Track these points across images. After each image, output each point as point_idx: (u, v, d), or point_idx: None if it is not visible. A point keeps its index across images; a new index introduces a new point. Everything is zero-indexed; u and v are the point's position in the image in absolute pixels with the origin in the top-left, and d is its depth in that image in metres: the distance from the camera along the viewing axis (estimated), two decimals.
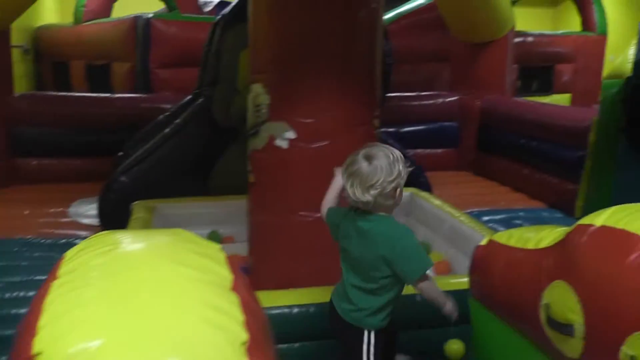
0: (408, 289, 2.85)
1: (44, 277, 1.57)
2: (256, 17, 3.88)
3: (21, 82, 9.66)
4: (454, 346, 3.23)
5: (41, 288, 1.48)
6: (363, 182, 2.61)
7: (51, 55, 10.71)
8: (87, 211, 6.41)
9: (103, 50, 9.82)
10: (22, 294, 4.38)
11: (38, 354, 1.19)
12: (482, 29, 8.66)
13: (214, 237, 5.26)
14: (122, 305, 1.27)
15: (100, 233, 1.74)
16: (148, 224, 4.71)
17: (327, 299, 3.11)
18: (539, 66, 11.39)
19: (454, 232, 4.79)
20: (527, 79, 11.33)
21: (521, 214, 6.65)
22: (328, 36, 3.63)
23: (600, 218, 2.10)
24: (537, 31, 11.66)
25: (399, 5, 9.37)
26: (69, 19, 10.83)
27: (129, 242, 1.62)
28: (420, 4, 9.17)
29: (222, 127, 5.63)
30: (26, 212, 6.43)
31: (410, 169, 2.70)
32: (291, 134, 3.70)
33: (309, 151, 3.71)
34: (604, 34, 11.93)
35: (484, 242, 2.87)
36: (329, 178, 3.69)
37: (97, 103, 8.01)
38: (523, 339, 2.51)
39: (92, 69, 10.22)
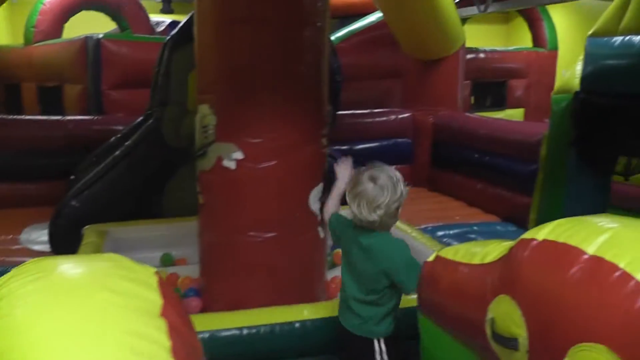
0: None
1: None
2: (201, 38, 3.87)
3: None
4: None
5: None
6: (370, 203, 2.78)
7: (2, 77, 10.53)
8: (39, 237, 6.27)
9: (54, 71, 9.65)
10: None
11: None
12: (431, 47, 8.75)
13: (166, 259, 5.20)
14: (43, 335, 1.24)
15: (33, 260, 1.70)
16: (99, 249, 4.64)
17: (277, 320, 3.12)
18: (492, 82, 11.56)
19: None
20: (481, 95, 11.48)
21: (475, 228, 6.70)
22: (273, 56, 3.62)
23: (542, 232, 2.10)
24: (489, 47, 11.84)
25: (351, 23, 9.41)
26: (19, 40, 10.69)
27: (60, 270, 1.58)
28: (372, 22, 9.23)
29: (173, 148, 5.57)
30: None
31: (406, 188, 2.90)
32: (239, 155, 3.67)
33: (256, 171, 3.69)
34: (555, 50, 12.17)
35: (431, 258, 2.86)
36: (277, 198, 3.70)
37: (49, 126, 7.86)
38: (472, 353, 2.50)
39: (44, 91, 10.04)
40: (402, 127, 9.02)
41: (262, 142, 3.67)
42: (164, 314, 1.40)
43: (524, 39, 14.01)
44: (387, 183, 2.82)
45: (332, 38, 8.86)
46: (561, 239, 2.00)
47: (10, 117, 8.34)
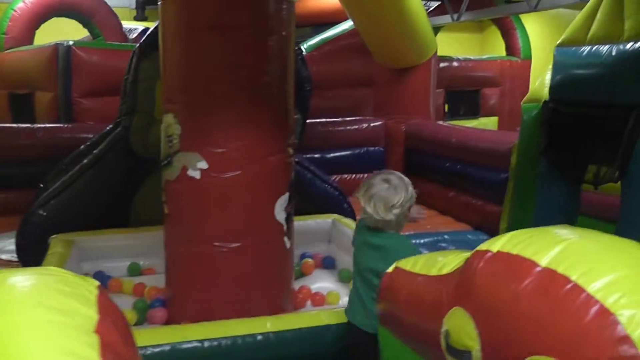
0: None
1: None
2: (165, 47, 3.84)
3: None
4: None
5: None
6: (386, 203, 2.96)
7: None
8: (7, 246, 6.21)
9: (25, 79, 9.55)
10: None
11: None
12: (403, 55, 8.78)
13: (134, 269, 5.15)
14: None
15: None
16: (65, 258, 4.58)
17: (240, 332, 3.09)
18: (465, 90, 11.58)
19: None
20: (454, 103, 11.50)
21: (447, 236, 6.71)
22: (237, 65, 3.60)
23: (497, 244, 2.10)
24: (463, 56, 11.88)
25: (323, 31, 9.40)
26: None
27: None
28: (344, 30, 9.22)
29: (141, 156, 5.52)
30: None
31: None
32: (203, 164, 3.65)
33: (221, 181, 3.66)
34: (528, 59, 12.24)
35: (390, 269, 2.86)
36: (242, 208, 3.67)
37: (18, 134, 7.78)
38: None
39: (15, 98, 9.94)
40: (374, 136, 9.04)
41: (226, 151, 3.64)
42: (99, 330, 1.37)
43: (497, 48, 14.07)
44: (399, 184, 3.00)
45: (305, 46, 8.86)
46: (515, 251, 2.00)
47: None
